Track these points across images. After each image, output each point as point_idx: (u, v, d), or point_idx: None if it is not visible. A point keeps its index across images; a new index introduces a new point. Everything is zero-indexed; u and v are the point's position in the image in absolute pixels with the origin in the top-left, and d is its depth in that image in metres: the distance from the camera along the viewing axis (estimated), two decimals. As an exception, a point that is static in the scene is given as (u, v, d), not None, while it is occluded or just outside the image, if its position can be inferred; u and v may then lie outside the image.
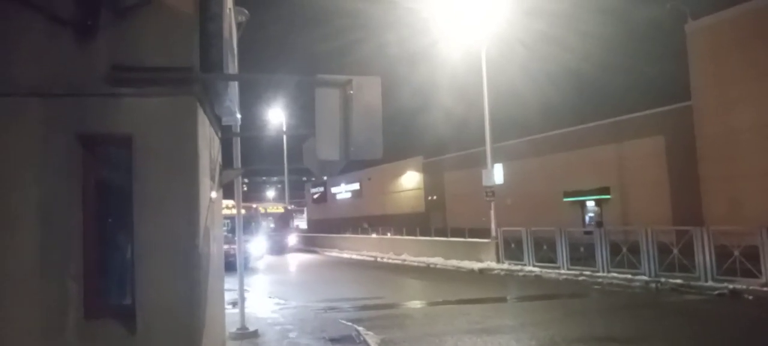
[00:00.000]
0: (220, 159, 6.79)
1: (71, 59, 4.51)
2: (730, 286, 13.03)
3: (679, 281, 14.14)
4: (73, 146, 4.50)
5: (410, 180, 50.22)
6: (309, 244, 40.11)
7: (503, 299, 14.76)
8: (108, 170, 4.87)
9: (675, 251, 14.69)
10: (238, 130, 9.47)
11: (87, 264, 4.56)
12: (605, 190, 30.08)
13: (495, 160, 22.27)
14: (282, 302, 14.68)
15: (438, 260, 23.55)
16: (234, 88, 7.33)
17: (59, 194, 4.46)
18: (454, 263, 22.44)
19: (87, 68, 4.53)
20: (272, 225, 34.20)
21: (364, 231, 39.34)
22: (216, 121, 6.53)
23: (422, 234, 30.92)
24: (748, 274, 13.02)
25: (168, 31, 4.71)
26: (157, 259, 4.55)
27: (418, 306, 14.06)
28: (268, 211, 35.49)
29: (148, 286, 4.52)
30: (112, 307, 4.73)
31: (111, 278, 4.86)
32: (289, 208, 39.50)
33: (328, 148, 5.16)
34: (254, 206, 34.27)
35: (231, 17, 7.48)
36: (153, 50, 4.65)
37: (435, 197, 45.94)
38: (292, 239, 36.77)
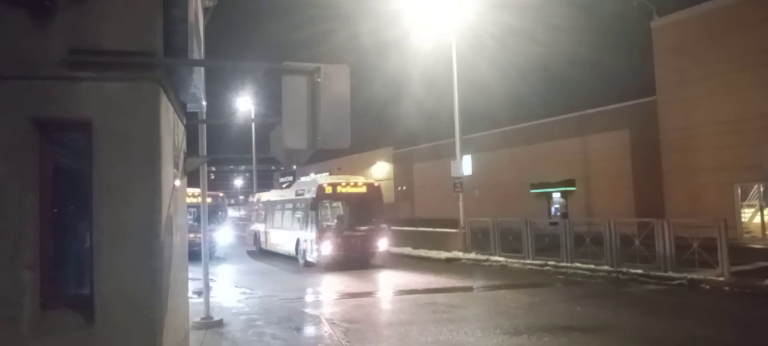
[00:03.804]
0: (184, 146, 6.66)
1: (26, 40, 4.34)
2: (689, 276, 13.41)
3: (640, 271, 14.49)
4: (29, 131, 4.35)
5: (380, 170, 50.28)
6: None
7: (469, 289, 14.90)
8: (67, 156, 4.72)
9: (637, 242, 15.04)
10: (204, 117, 9.31)
11: (43, 253, 4.42)
12: (571, 182, 30.60)
13: (464, 152, 22.40)
14: (248, 291, 14.58)
15: (407, 250, 23.66)
16: (199, 74, 7.20)
17: (13, 179, 4.30)
18: (422, 252, 22.57)
19: (44, 50, 4.36)
20: (342, 213, 20.90)
21: None
22: (180, 107, 6.40)
23: (391, 224, 30.97)
24: (705, 265, 13.43)
25: (129, 14, 4.58)
26: (117, 248, 4.43)
27: (385, 295, 14.10)
28: (338, 191, 19.97)
29: (107, 275, 4.40)
30: (70, 297, 4.60)
31: (69, 267, 4.73)
32: (375, 184, 21.68)
33: (295, 136, 5.10)
34: (318, 181, 20.57)
35: (197, 2, 7.33)
36: (114, 33, 4.51)
37: (404, 188, 46.09)
38: (383, 243, 20.07)
